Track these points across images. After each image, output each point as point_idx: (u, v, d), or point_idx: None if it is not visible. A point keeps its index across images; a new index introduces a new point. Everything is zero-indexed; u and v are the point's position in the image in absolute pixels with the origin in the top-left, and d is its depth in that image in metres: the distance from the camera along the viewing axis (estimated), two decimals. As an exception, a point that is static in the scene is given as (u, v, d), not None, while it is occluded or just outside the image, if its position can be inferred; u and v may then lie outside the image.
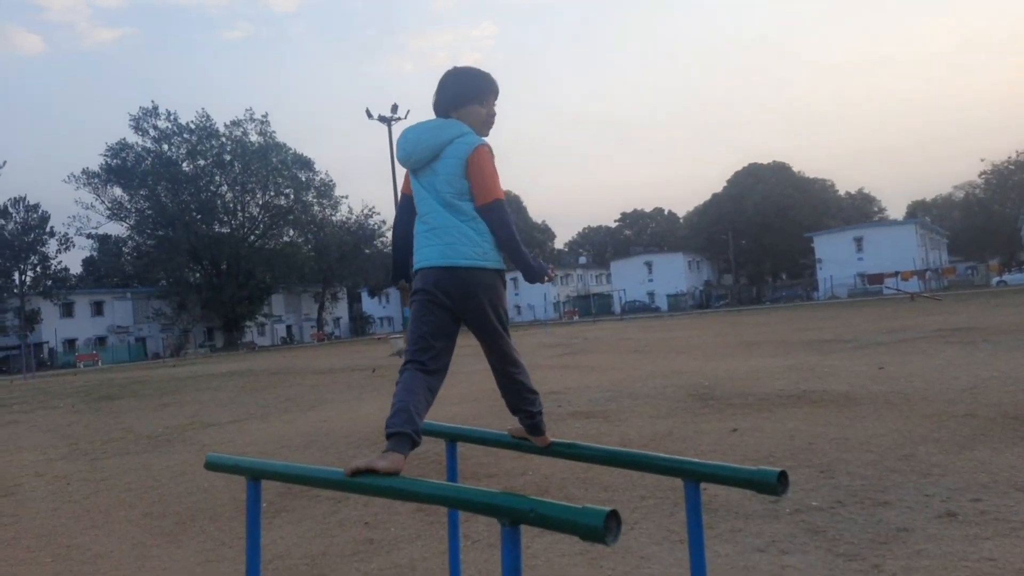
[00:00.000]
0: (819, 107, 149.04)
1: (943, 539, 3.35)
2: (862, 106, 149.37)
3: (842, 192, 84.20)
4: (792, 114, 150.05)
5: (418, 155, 2.22)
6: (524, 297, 77.60)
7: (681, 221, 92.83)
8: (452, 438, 2.40)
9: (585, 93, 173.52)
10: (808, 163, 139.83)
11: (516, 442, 2.38)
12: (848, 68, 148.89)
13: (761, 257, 72.22)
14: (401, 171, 2.39)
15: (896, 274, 51.81)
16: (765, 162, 73.97)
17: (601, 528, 1.16)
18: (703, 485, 1.68)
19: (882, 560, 3.20)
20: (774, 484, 1.56)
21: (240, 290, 57.29)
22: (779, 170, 72.69)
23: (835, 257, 60.79)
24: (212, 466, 1.99)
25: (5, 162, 72.09)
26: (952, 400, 6.88)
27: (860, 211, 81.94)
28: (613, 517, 1.20)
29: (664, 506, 4.21)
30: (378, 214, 67.40)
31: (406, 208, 2.33)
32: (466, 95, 2.28)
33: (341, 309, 75.40)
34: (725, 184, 74.86)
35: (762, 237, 68.78)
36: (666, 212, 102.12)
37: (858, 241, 61.49)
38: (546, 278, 2.34)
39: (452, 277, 2.13)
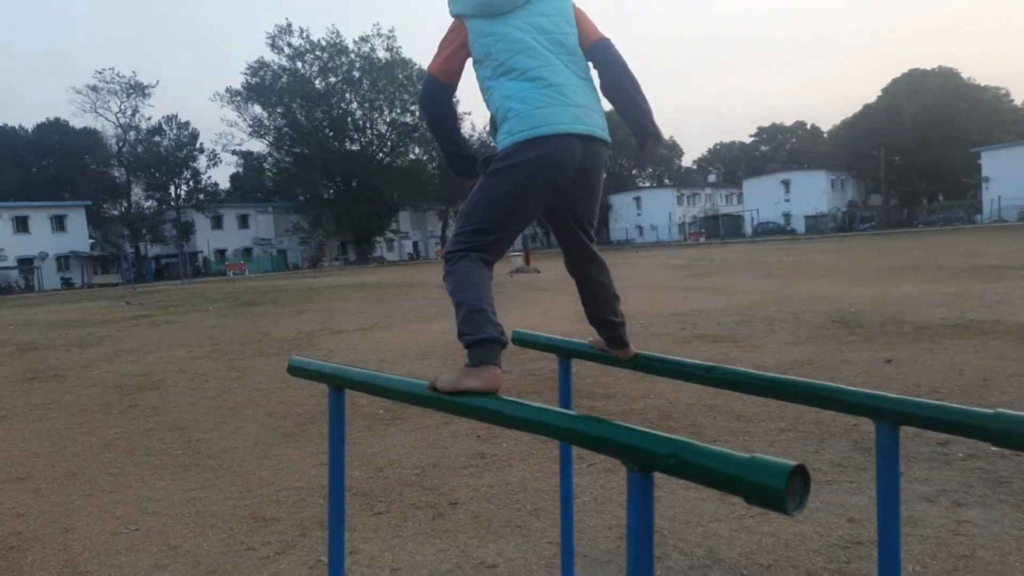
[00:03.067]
0: (997, 2, 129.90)
1: None
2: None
3: (1018, 102, 73.91)
4: (962, 11, 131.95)
5: None
6: (647, 217, 75.33)
7: (825, 136, 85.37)
8: (567, 354, 2.05)
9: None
10: (980, 69, 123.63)
11: (640, 363, 2.00)
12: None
13: (917, 176, 65.29)
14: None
15: (1081, 195, 45.35)
16: (929, 68, 65.88)
17: (781, 490, 0.78)
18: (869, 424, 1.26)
19: (1092, 525, 2.61)
20: (1022, 435, 1.11)
21: (370, 206, 59.38)
22: (945, 76, 64.49)
23: (1006, 176, 53.94)
24: (295, 371, 1.77)
25: (158, 81, 77.56)
26: None
27: (1040, 123, 71.79)
28: (799, 476, 0.81)
29: (807, 441, 3.74)
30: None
31: (450, 91, 1.82)
32: None
33: (464, 226, 76.73)
34: (880, 94, 67.49)
35: (920, 153, 61.93)
36: (808, 126, 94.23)
37: (1036, 157, 54.15)
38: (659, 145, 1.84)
39: (587, 151, 1.68)
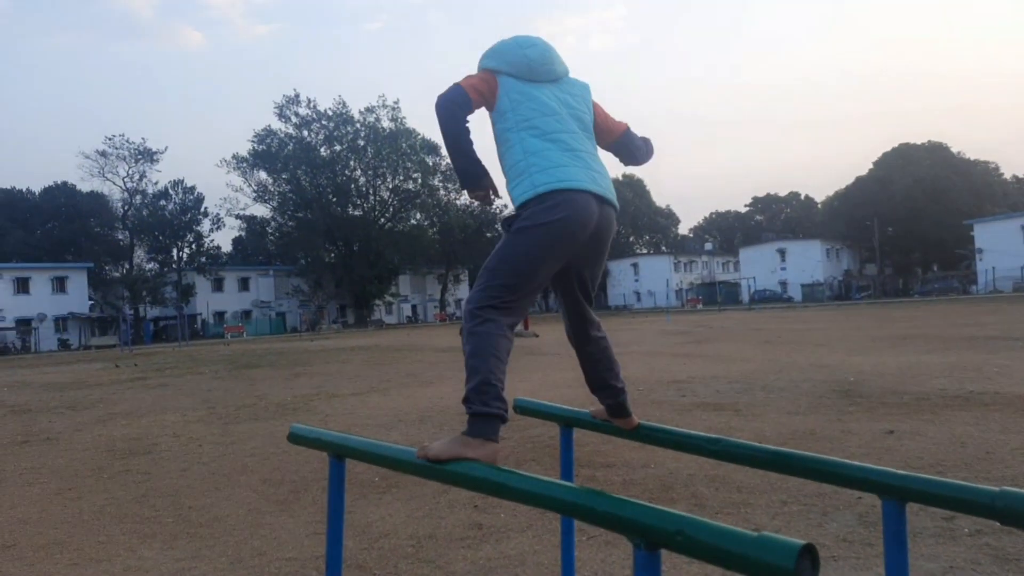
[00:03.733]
0: (983, 80, 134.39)
1: None
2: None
3: (1008, 176, 75.67)
4: (951, 88, 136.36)
5: (553, 66, 1.92)
6: (644, 283, 75.85)
7: (819, 206, 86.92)
8: (568, 422, 2.05)
9: (717, 67, 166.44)
10: (969, 144, 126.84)
11: (643, 434, 2.01)
12: (1018, 31, 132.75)
13: (910, 246, 66.14)
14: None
15: (1074, 267, 45.78)
16: (919, 142, 67.59)
17: (790, 570, 0.78)
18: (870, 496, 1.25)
19: (1106, 606, 2.55)
20: (1029, 514, 1.10)
21: (370, 270, 59.80)
22: (935, 151, 66.13)
23: (999, 247, 54.66)
24: (296, 439, 1.76)
25: (167, 147, 79.25)
26: None
27: (1030, 197, 73.17)
28: (807, 555, 0.81)
29: (811, 514, 3.68)
30: (499, 198, 67.89)
31: (469, 109, 1.85)
32: None
33: (463, 291, 76.95)
34: (871, 166, 69.11)
35: (912, 224, 62.92)
36: (802, 196, 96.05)
37: (1027, 229, 54.93)
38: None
39: (602, 212, 1.80)
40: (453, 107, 1.81)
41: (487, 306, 1.67)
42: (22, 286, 50.86)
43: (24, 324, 49.79)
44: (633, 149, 2.08)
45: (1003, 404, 6.44)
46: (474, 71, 1.95)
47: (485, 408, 1.54)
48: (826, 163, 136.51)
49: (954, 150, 67.75)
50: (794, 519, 3.63)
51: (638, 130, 2.12)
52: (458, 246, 64.78)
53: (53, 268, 52.84)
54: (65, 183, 60.87)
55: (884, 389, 7.69)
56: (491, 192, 1.89)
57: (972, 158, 69.33)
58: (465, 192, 1.95)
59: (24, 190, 62.07)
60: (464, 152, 1.83)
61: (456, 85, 1.85)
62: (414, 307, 73.67)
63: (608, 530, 1.03)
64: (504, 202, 2.01)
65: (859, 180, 69.44)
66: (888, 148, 68.81)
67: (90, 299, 54.90)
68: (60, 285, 52.32)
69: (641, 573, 0.96)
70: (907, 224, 63.40)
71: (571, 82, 1.97)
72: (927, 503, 1.28)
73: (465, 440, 1.50)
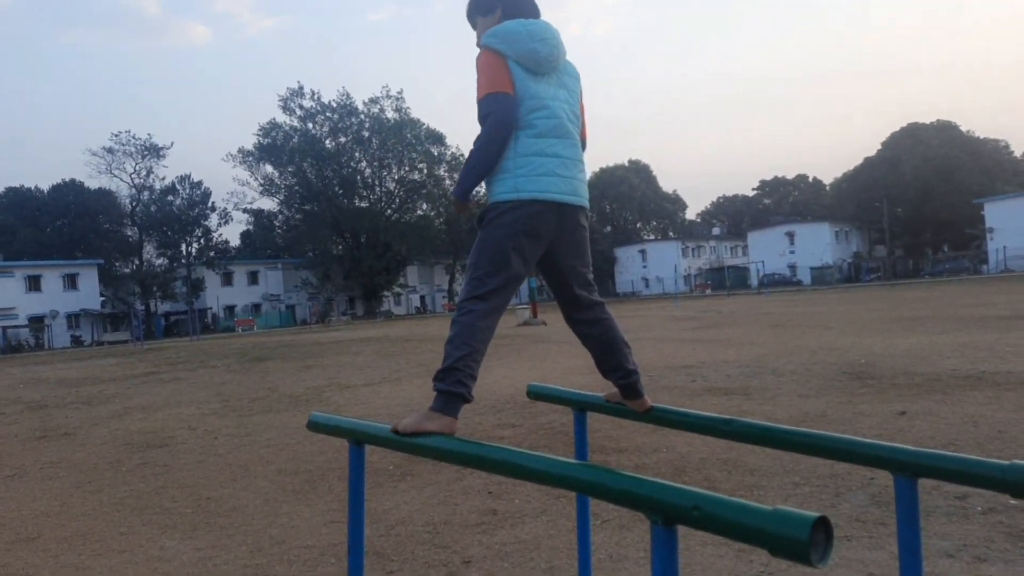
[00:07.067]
0: (993, 57, 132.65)
1: None
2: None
3: (1018, 153, 74.83)
4: (960, 66, 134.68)
5: (558, 60, 1.92)
6: (652, 269, 75.72)
7: (827, 188, 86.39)
8: (582, 406, 2.07)
9: (721, 50, 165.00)
10: (979, 122, 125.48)
11: (656, 416, 2.03)
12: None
13: (920, 227, 65.65)
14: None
15: (1087, 245, 45.33)
16: (927, 121, 66.96)
17: (805, 542, 0.80)
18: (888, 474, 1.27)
19: (1120, 581, 2.56)
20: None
21: (378, 261, 59.93)
22: (944, 129, 65.49)
23: (1009, 226, 54.18)
24: (315, 427, 1.80)
25: (172, 143, 79.43)
26: None
27: (1041, 174, 72.35)
28: (821, 527, 0.83)
29: (823, 495, 3.70)
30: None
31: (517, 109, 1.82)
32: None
33: (471, 280, 77.06)
34: (879, 147, 68.51)
35: (922, 204, 62.41)
36: (810, 179, 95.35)
37: (1039, 208, 54.36)
38: None
39: (571, 212, 1.87)
40: (510, 122, 1.78)
41: (469, 298, 1.82)
42: (34, 284, 51.26)
43: (37, 321, 50.22)
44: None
45: (1016, 383, 6.43)
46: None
47: (451, 388, 1.70)
48: (834, 145, 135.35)
49: (963, 129, 67.14)
50: (807, 500, 3.65)
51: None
52: (465, 236, 64.71)
53: (64, 265, 53.19)
54: (73, 180, 61.18)
55: (895, 370, 7.68)
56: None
57: (982, 136, 68.66)
58: (454, 198, 1.97)
59: (33, 188, 62.41)
60: (491, 167, 1.82)
61: (505, 95, 1.78)
62: (423, 297, 73.85)
63: (625, 507, 1.05)
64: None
65: (868, 161, 68.88)
66: (896, 128, 68.23)
67: (101, 295, 55.28)
68: (71, 282, 52.70)
69: (659, 549, 0.99)
70: (917, 204, 62.91)
71: (568, 69, 1.96)
72: (939, 478, 1.29)
73: (428, 414, 1.67)
